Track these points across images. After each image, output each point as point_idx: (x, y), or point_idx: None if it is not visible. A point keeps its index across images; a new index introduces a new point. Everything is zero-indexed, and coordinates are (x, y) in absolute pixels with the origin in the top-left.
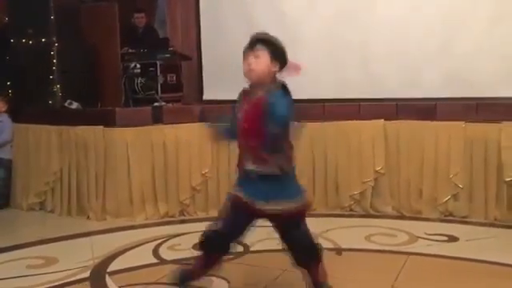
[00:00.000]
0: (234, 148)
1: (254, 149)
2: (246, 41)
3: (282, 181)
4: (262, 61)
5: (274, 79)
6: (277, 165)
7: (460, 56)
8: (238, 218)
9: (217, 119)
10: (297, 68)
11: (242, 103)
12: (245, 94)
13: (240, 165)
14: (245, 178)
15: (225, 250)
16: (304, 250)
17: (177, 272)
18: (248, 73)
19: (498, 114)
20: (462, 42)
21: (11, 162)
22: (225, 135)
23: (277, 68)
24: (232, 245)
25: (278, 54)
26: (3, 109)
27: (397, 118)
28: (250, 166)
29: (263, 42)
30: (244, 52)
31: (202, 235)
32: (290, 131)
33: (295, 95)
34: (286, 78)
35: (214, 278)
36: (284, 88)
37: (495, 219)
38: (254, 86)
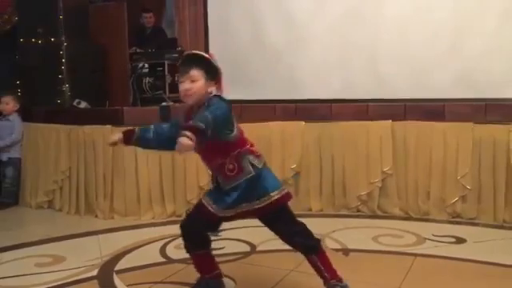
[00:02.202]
0: None
1: (221, 166)
2: (253, 41)
3: (256, 178)
4: (199, 84)
5: (209, 96)
6: (247, 167)
7: (469, 57)
8: (208, 223)
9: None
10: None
11: (188, 119)
12: (187, 113)
13: (213, 182)
14: (219, 192)
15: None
16: (297, 239)
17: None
18: (185, 97)
19: (507, 115)
20: (471, 42)
21: (20, 161)
22: (142, 142)
23: (213, 87)
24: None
25: (212, 73)
26: (15, 108)
27: (405, 119)
28: (226, 183)
29: (198, 64)
30: (179, 73)
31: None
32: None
33: (302, 95)
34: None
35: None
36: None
37: (504, 221)
38: (194, 107)
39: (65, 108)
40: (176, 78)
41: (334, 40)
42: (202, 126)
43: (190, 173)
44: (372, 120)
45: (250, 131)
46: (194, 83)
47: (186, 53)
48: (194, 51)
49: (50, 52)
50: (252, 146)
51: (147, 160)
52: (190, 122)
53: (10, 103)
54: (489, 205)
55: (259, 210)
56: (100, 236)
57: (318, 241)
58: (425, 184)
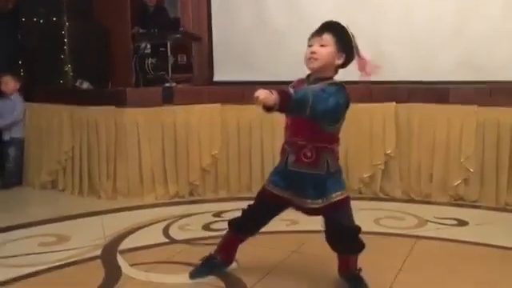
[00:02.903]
0: (243, 129)
1: (300, 147)
2: (256, 22)
3: (327, 177)
4: (328, 50)
5: (334, 74)
6: (322, 164)
7: (473, 39)
8: (270, 209)
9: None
10: (368, 70)
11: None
12: (299, 83)
13: (282, 158)
14: (285, 173)
15: (249, 233)
16: (343, 241)
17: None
18: (309, 61)
19: (511, 98)
20: (476, 25)
21: (23, 141)
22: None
23: (341, 61)
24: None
25: (346, 47)
26: (16, 87)
27: (409, 102)
28: (294, 165)
29: (333, 30)
30: (309, 38)
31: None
32: (339, 127)
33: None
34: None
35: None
36: (338, 85)
37: (506, 204)
38: (313, 76)
39: (67, 88)
40: (178, 59)
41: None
42: (294, 97)
43: (192, 154)
44: (375, 102)
45: (253, 113)
46: (322, 48)
47: (325, 21)
48: (334, 20)
49: (52, 32)
50: (338, 145)
51: (150, 141)
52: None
53: (9, 83)
54: (491, 187)
55: (312, 210)
56: (103, 216)
57: (364, 245)
58: (427, 166)
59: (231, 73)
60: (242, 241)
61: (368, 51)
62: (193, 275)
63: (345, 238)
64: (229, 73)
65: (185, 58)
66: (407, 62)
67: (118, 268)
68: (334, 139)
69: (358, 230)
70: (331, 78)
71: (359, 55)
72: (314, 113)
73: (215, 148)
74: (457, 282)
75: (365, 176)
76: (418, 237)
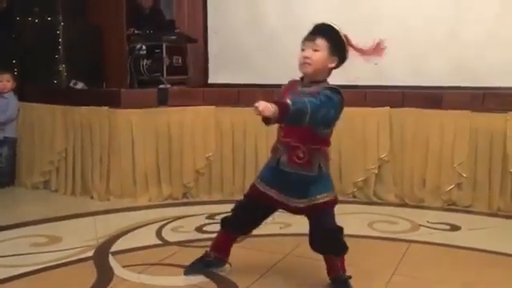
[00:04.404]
0: (237, 131)
1: (293, 148)
2: (251, 25)
3: (316, 178)
4: (321, 55)
5: (328, 76)
6: (315, 166)
7: (468, 44)
8: (259, 208)
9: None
10: (373, 53)
11: (290, 95)
12: (293, 85)
13: (274, 156)
14: (276, 172)
15: (240, 232)
16: (325, 241)
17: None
18: (303, 65)
19: (505, 104)
20: (471, 29)
21: (16, 141)
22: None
23: (334, 64)
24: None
25: (339, 50)
26: (12, 86)
27: (403, 106)
28: (286, 165)
29: (325, 34)
30: (303, 41)
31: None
32: (332, 130)
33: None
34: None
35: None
36: (334, 89)
37: (498, 209)
38: (307, 79)
39: (61, 88)
40: (173, 61)
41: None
42: (292, 107)
43: (186, 156)
44: (369, 107)
45: (247, 115)
46: (315, 52)
47: (317, 23)
48: (327, 22)
49: (47, 32)
50: (329, 146)
51: (144, 142)
52: (288, 99)
53: (10, 81)
54: (484, 193)
55: (296, 209)
56: (96, 217)
57: (347, 247)
58: (421, 171)
59: (226, 75)
60: (234, 239)
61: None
62: (187, 271)
63: (327, 238)
64: (224, 75)
65: (180, 59)
66: (401, 66)
67: (111, 269)
68: (327, 141)
69: (340, 230)
70: (325, 80)
71: (357, 49)
72: (312, 122)
73: (209, 150)
74: (449, 286)
75: (358, 180)
76: (411, 241)
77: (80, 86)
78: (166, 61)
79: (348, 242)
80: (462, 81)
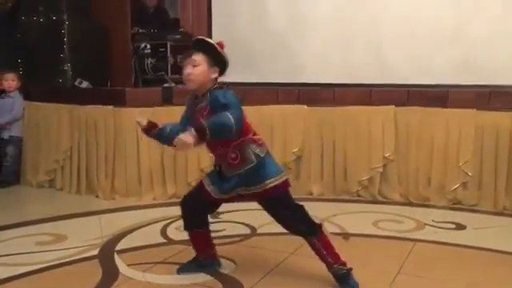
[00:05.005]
0: None
1: (224, 155)
2: (256, 24)
3: (259, 166)
4: (201, 69)
5: (214, 83)
6: (250, 156)
7: (473, 43)
8: (204, 203)
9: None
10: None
11: (194, 113)
12: (191, 101)
13: (215, 166)
14: (221, 178)
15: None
16: (295, 224)
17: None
18: (187, 82)
19: (511, 102)
20: (476, 27)
21: (21, 140)
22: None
23: (216, 74)
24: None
25: (217, 60)
26: (17, 86)
27: (408, 105)
28: (228, 171)
29: (201, 49)
30: (182, 59)
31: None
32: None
33: (305, 79)
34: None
35: (221, 260)
36: (219, 91)
37: (504, 208)
38: (197, 93)
39: (66, 87)
40: (178, 60)
41: (336, 25)
42: (208, 131)
43: (191, 155)
44: (374, 105)
45: (252, 114)
46: (195, 68)
47: (192, 39)
48: (200, 37)
49: (52, 31)
50: (255, 134)
51: (149, 141)
52: (202, 123)
53: (15, 80)
54: (489, 192)
55: (256, 195)
56: (101, 216)
57: (318, 225)
58: (426, 170)
59: (231, 74)
60: (203, 234)
61: (368, 54)
62: (179, 270)
63: (291, 219)
64: (228, 74)
65: None
66: (406, 65)
67: (116, 268)
68: (246, 130)
69: (299, 208)
70: (213, 88)
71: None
72: (228, 135)
73: None
74: (454, 285)
75: (363, 179)
76: (416, 240)
77: (85, 84)
78: (171, 60)
79: (353, 240)
80: (467, 79)
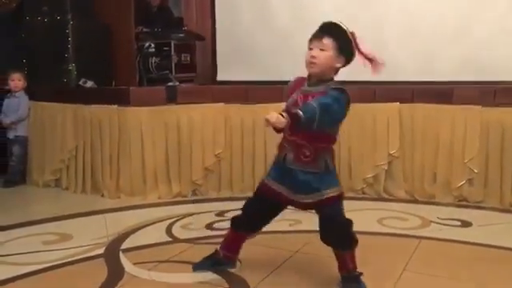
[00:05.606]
0: (246, 128)
1: (299, 146)
2: (260, 22)
3: (322, 175)
4: (327, 55)
5: (335, 74)
6: (321, 163)
7: (478, 39)
8: (267, 205)
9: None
10: (376, 68)
11: (297, 93)
12: (300, 83)
13: (280, 154)
14: (282, 169)
15: (250, 230)
16: (335, 234)
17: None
18: (310, 65)
19: None
20: (481, 24)
21: (27, 139)
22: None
23: (341, 64)
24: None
25: (346, 49)
26: (23, 85)
27: (412, 102)
28: (292, 163)
29: (332, 34)
30: (310, 40)
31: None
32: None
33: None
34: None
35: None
36: (340, 89)
37: (510, 205)
38: (314, 78)
39: (71, 87)
40: (182, 58)
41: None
42: (304, 116)
43: (195, 153)
44: (379, 102)
45: (257, 112)
46: (322, 52)
47: (324, 22)
48: (334, 21)
49: (56, 31)
50: (335, 144)
51: (153, 140)
52: (298, 109)
53: (21, 80)
54: (495, 188)
55: (304, 205)
56: (106, 215)
57: (357, 240)
58: (431, 167)
59: (235, 72)
60: (243, 238)
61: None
62: (195, 267)
63: (336, 231)
64: (232, 72)
65: (188, 57)
66: (411, 61)
67: (121, 267)
68: (333, 139)
69: (349, 223)
70: (332, 79)
71: (364, 54)
72: (320, 126)
73: (218, 147)
74: (460, 282)
75: (368, 176)
76: (421, 237)
77: (89, 84)
78: (175, 58)
79: (358, 238)
80: (472, 76)
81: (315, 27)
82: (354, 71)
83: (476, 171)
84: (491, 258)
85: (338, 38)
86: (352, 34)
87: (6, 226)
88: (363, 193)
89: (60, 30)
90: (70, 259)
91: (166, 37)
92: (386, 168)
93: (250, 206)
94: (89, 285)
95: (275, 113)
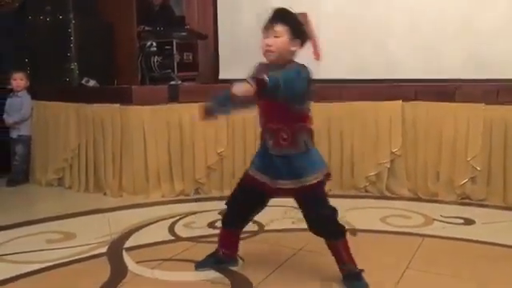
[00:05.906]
0: (249, 127)
1: (276, 130)
2: (262, 20)
3: (303, 156)
4: (282, 40)
5: (292, 57)
6: (300, 143)
7: (481, 37)
8: (251, 196)
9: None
10: (317, 55)
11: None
12: (261, 70)
13: (261, 142)
14: (264, 157)
15: (238, 225)
16: (322, 223)
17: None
18: (267, 53)
19: None
20: (483, 22)
21: (30, 139)
22: (217, 109)
23: (297, 46)
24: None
25: (299, 32)
26: (26, 85)
27: (415, 100)
28: (273, 149)
29: (284, 19)
30: (263, 29)
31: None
32: (308, 105)
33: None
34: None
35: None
36: (300, 65)
37: None
38: (273, 65)
39: (73, 86)
40: (184, 57)
41: (343, 20)
42: (269, 81)
43: (198, 152)
44: (382, 100)
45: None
46: (276, 39)
47: (274, 8)
48: (283, 7)
49: (59, 30)
50: (311, 124)
51: (155, 139)
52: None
53: (23, 79)
54: (498, 186)
55: (287, 192)
56: (109, 214)
57: (344, 228)
58: (434, 165)
59: (237, 71)
60: (235, 233)
61: (375, 50)
62: (198, 266)
63: (324, 220)
64: (234, 71)
65: (190, 56)
66: (414, 59)
67: (124, 265)
68: (306, 117)
69: (334, 212)
70: (291, 61)
71: (314, 37)
72: (286, 94)
73: (221, 146)
74: (463, 280)
75: (371, 174)
76: (424, 235)
77: (92, 83)
78: (177, 57)
79: (361, 236)
80: (475, 73)
81: (317, 25)
82: (356, 70)
83: (479, 169)
84: (494, 256)
85: (290, 23)
86: (304, 15)
87: (9, 224)
88: (366, 191)
89: (62, 29)
90: (72, 258)
91: (167, 36)
92: (388, 166)
93: (234, 199)
94: (92, 283)
95: (239, 83)
